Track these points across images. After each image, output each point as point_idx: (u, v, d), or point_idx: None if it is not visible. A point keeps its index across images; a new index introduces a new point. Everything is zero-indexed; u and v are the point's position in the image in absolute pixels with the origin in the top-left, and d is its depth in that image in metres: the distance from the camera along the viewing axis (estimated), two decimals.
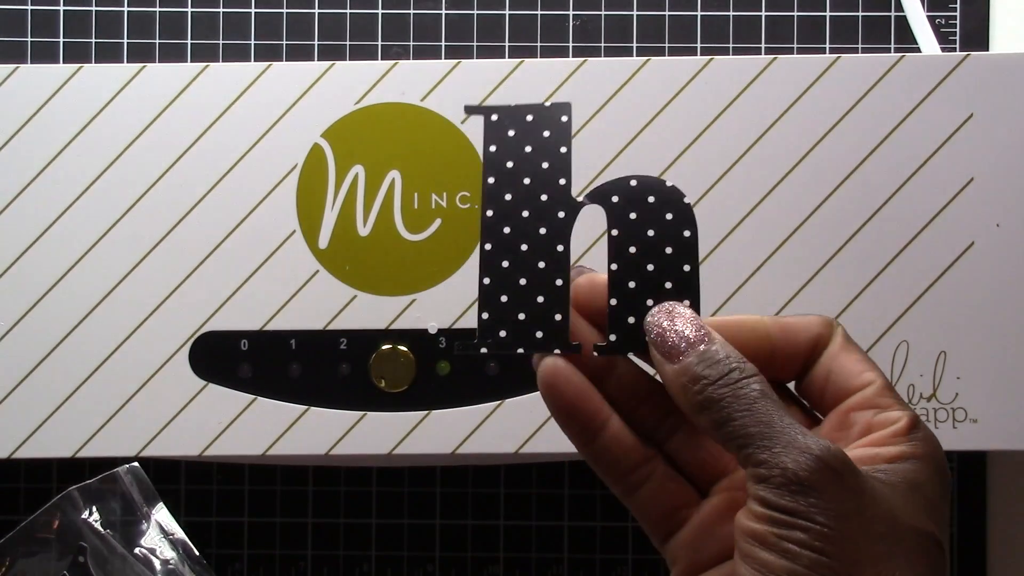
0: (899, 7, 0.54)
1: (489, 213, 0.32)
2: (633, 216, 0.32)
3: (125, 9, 0.54)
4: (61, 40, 0.54)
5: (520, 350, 0.32)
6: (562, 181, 0.32)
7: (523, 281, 0.32)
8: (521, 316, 0.32)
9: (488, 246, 0.32)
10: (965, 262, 0.44)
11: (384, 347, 0.44)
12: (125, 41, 0.54)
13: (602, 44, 0.54)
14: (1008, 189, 0.44)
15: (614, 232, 0.32)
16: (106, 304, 0.44)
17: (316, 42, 0.54)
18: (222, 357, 0.44)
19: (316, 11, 0.54)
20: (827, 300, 0.44)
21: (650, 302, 0.32)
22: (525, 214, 0.32)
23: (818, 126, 0.44)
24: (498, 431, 0.44)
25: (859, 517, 0.28)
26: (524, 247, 0.32)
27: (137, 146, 0.44)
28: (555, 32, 0.54)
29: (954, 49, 0.54)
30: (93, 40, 0.54)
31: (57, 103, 0.44)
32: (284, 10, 0.54)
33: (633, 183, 0.32)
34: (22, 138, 0.44)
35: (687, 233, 0.32)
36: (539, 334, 0.32)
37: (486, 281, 0.32)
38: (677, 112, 0.44)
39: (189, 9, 0.54)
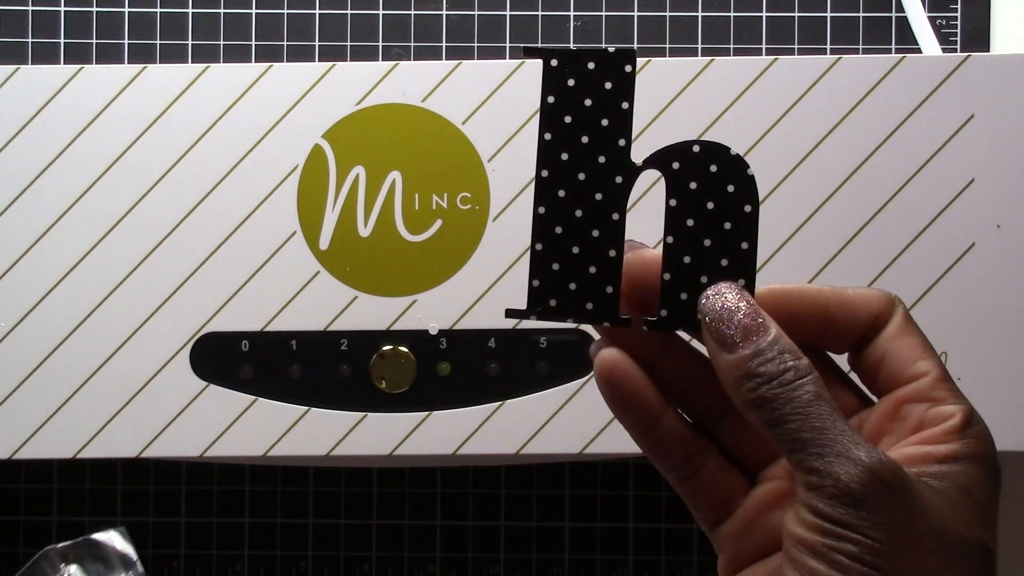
0: (900, 8, 0.54)
1: (544, 174, 0.31)
2: (693, 186, 0.31)
3: (126, 10, 0.54)
4: (62, 41, 0.54)
5: (570, 320, 0.31)
6: (622, 142, 0.31)
7: (576, 249, 0.31)
8: (572, 286, 0.31)
9: (542, 210, 0.31)
10: (966, 263, 0.44)
11: (385, 348, 0.44)
12: (126, 42, 0.54)
13: (603, 45, 0.54)
14: (1009, 190, 0.44)
15: (672, 202, 0.31)
16: (107, 305, 0.44)
17: (317, 43, 0.54)
18: (223, 358, 0.44)
19: (317, 12, 0.54)
20: None
21: (704, 279, 0.30)
22: (581, 177, 0.31)
23: (819, 127, 0.44)
24: (499, 432, 0.44)
25: (910, 531, 0.27)
26: (579, 213, 0.31)
27: (138, 147, 0.44)
28: (556, 33, 0.54)
29: (955, 50, 0.54)
30: (94, 41, 0.54)
31: (58, 104, 0.45)
32: (285, 11, 0.54)
33: (696, 148, 0.31)
34: (23, 139, 0.44)
35: (748, 208, 0.31)
36: (589, 305, 0.30)
37: (538, 247, 0.31)
38: (677, 113, 0.44)
39: (190, 10, 0.54)
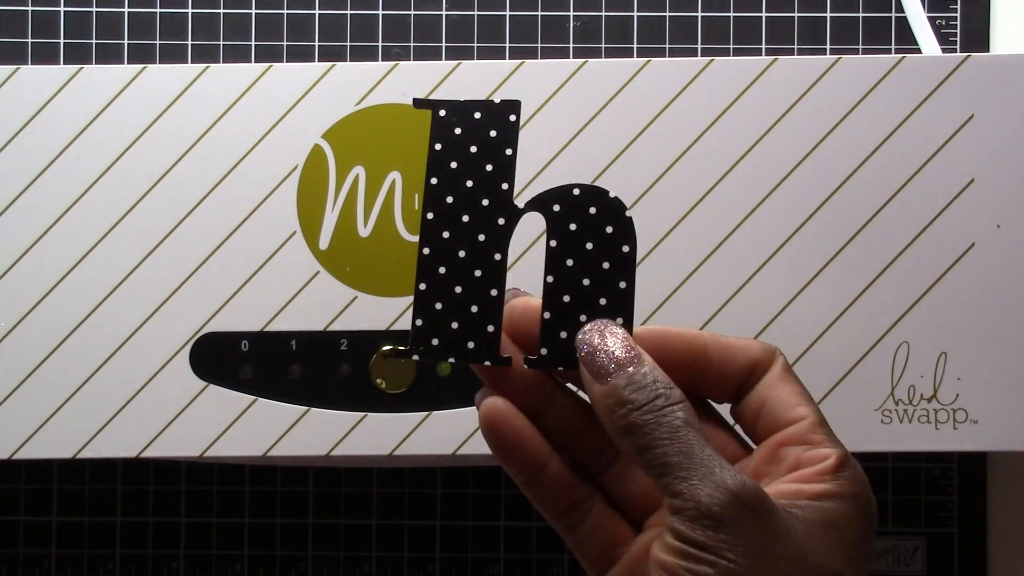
0: (900, 8, 0.54)
1: (429, 216, 0.32)
2: (573, 227, 0.32)
3: (126, 10, 0.54)
4: (62, 41, 0.54)
5: (451, 360, 0.31)
6: (504, 186, 0.32)
7: (459, 289, 0.32)
8: (455, 324, 0.31)
9: (426, 250, 0.32)
10: (966, 263, 0.44)
11: (385, 348, 0.44)
12: (126, 42, 0.54)
13: (603, 45, 0.54)
14: (1009, 190, 0.44)
15: (552, 243, 0.32)
16: (107, 305, 0.44)
17: (317, 43, 0.54)
18: (223, 358, 0.44)
19: (317, 12, 0.54)
20: (828, 300, 0.44)
21: (583, 318, 0.31)
22: (465, 219, 0.32)
23: (818, 127, 0.44)
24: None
25: (768, 555, 0.28)
26: (462, 253, 0.32)
27: (138, 147, 0.44)
28: (556, 33, 0.54)
29: (955, 50, 0.54)
30: (94, 41, 0.54)
31: (58, 104, 0.45)
32: (285, 11, 0.54)
33: (576, 192, 0.32)
34: (23, 139, 0.44)
35: (626, 248, 0.32)
36: (471, 344, 0.31)
37: (422, 287, 0.32)
38: (678, 113, 0.44)
39: (190, 10, 0.54)
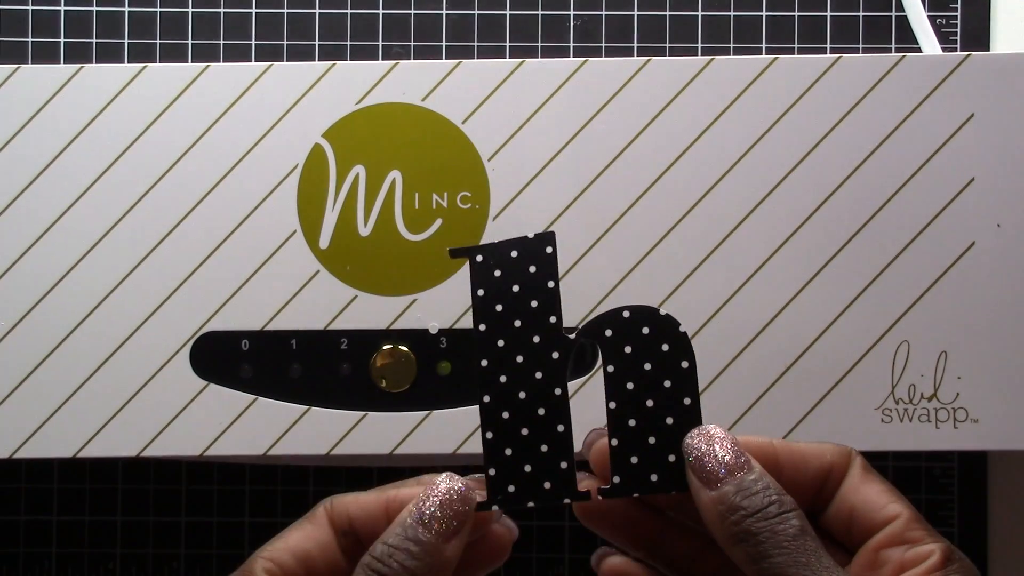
0: (900, 7, 0.54)
1: (484, 363, 0.32)
2: (628, 350, 0.32)
3: (126, 9, 0.54)
4: (62, 40, 0.54)
5: (531, 504, 0.31)
6: (552, 319, 0.32)
7: (525, 431, 0.31)
8: (527, 467, 0.31)
9: (487, 399, 0.32)
10: (966, 262, 0.44)
11: (385, 347, 0.44)
12: (126, 41, 0.54)
13: (603, 44, 0.54)
14: (1009, 189, 0.44)
15: (610, 368, 0.32)
16: (107, 304, 0.44)
17: (317, 42, 0.54)
18: (223, 357, 0.44)
19: (317, 11, 0.54)
20: (828, 299, 0.44)
21: (652, 440, 0.31)
22: (520, 359, 0.32)
23: (819, 126, 0.44)
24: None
25: None
26: (523, 395, 0.31)
27: (138, 146, 0.44)
28: (556, 32, 0.54)
29: (955, 49, 0.54)
30: (94, 40, 0.54)
31: (58, 103, 0.45)
32: (285, 10, 0.54)
33: (626, 314, 0.32)
34: (23, 138, 0.44)
35: (685, 364, 0.32)
36: (547, 484, 0.31)
37: (489, 435, 0.32)
38: (678, 112, 0.44)
39: (190, 9, 0.54)
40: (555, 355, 0.32)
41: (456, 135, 0.44)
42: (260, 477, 0.54)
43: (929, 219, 0.44)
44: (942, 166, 0.44)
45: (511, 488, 0.31)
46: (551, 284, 0.32)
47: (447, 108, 0.44)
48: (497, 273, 0.32)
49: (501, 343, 0.32)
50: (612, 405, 0.31)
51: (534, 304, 0.32)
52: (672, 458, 0.31)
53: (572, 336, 0.32)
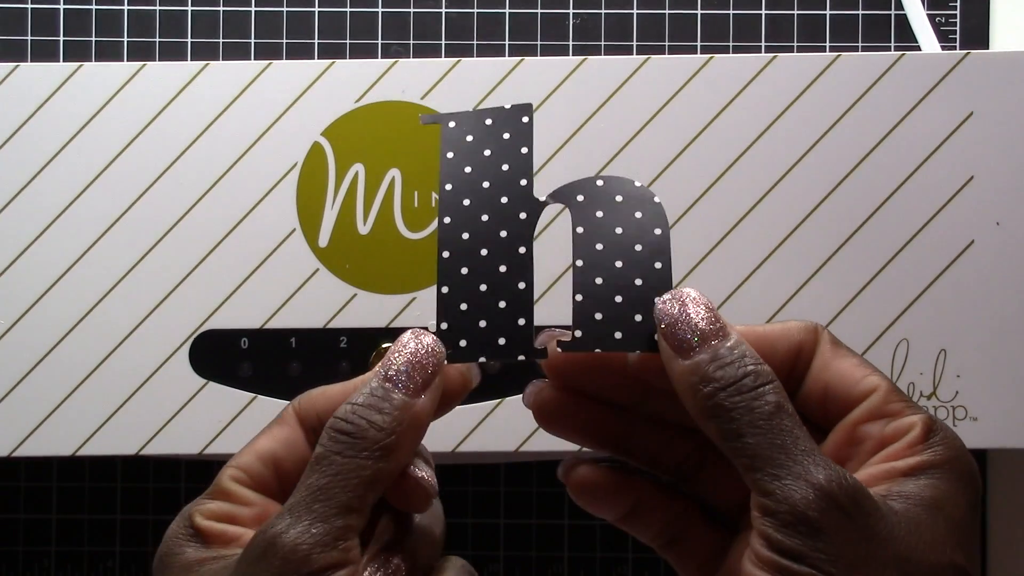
0: (899, 5, 0.54)
1: (447, 220, 0.31)
2: (600, 214, 0.31)
3: (125, 8, 0.54)
4: (61, 39, 0.54)
5: (482, 359, 0.30)
6: (523, 182, 0.31)
7: (483, 287, 0.31)
8: (482, 323, 0.30)
9: (446, 254, 0.31)
10: (965, 260, 0.44)
11: (384, 345, 0.44)
12: (125, 40, 0.54)
13: (602, 42, 0.54)
14: (1008, 187, 0.44)
15: (579, 229, 0.31)
16: (106, 302, 0.44)
17: (316, 40, 0.54)
18: (222, 355, 0.44)
19: (316, 9, 0.54)
20: (827, 298, 0.44)
21: (618, 299, 0.30)
22: (484, 218, 0.31)
23: (818, 124, 0.44)
24: (498, 429, 0.44)
25: (871, 562, 0.25)
26: (484, 252, 0.31)
27: (137, 144, 0.44)
28: (555, 30, 0.54)
29: (954, 47, 0.54)
30: (93, 39, 0.54)
31: (57, 102, 0.44)
32: (284, 8, 0.54)
33: (600, 183, 0.32)
34: (22, 137, 0.44)
35: (658, 231, 0.31)
36: (501, 340, 0.30)
37: (444, 290, 0.31)
38: (677, 110, 0.44)
39: (189, 8, 0.54)
40: (523, 215, 0.31)
41: None
42: None
43: (928, 217, 0.44)
44: (941, 164, 0.44)
45: (462, 343, 0.30)
46: (524, 150, 0.32)
47: (446, 106, 0.44)
48: (469, 138, 0.32)
49: (467, 202, 0.31)
50: (579, 263, 0.31)
51: (505, 168, 0.32)
52: (639, 318, 0.30)
53: (543, 199, 0.31)
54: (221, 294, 0.44)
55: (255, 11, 0.54)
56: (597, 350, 0.30)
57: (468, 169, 0.32)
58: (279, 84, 0.44)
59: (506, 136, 0.32)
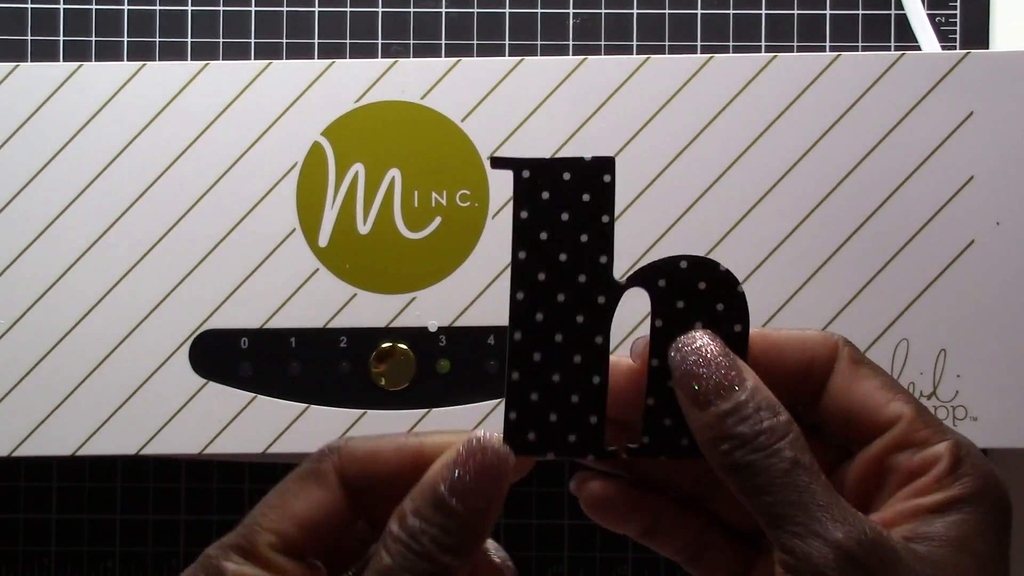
0: (899, 5, 0.54)
1: (520, 296, 0.28)
2: (680, 305, 0.29)
3: (125, 7, 0.54)
4: (61, 38, 0.54)
5: (551, 455, 0.28)
6: (603, 259, 0.28)
7: (556, 377, 0.28)
8: (553, 417, 0.28)
9: (518, 335, 0.28)
10: (965, 260, 0.44)
11: (384, 345, 0.44)
12: (125, 39, 0.54)
13: (602, 42, 0.54)
14: (1008, 187, 0.44)
15: (658, 323, 0.29)
16: (106, 302, 0.44)
17: (316, 40, 0.54)
18: (222, 355, 0.44)
19: (316, 9, 0.54)
20: (827, 298, 0.44)
21: None
22: (560, 298, 0.28)
23: (818, 124, 0.44)
24: (499, 429, 0.44)
25: None
26: (559, 337, 0.28)
27: (137, 144, 0.44)
28: (555, 30, 0.54)
29: (954, 47, 0.54)
30: (93, 38, 0.54)
31: (57, 102, 0.44)
32: (284, 8, 0.54)
33: (683, 264, 0.29)
34: (22, 137, 0.44)
35: (738, 328, 0.29)
36: (572, 438, 0.28)
37: (515, 376, 0.28)
38: (677, 110, 0.44)
39: (189, 7, 0.54)
40: (601, 299, 0.28)
41: (455, 133, 0.44)
42: (259, 475, 0.54)
43: (928, 217, 0.44)
44: (941, 164, 0.44)
45: (531, 436, 0.28)
46: (605, 219, 0.28)
47: (446, 106, 0.44)
48: (545, 195, 0.28)
49: (542, 276, 0.28)
50: (655, 363, 0.29)
51: (584, 239, 0.28)
52: None
53: (623, 281, 0.29)
54: (221, 294, 0.44)
55: (255, 11, 0.54)
56: (662, 457, 0.29)
57: (544, 236, 0.28)
58: (279, 84, 0.44)
59: (585, 198, 0.28)
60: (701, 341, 0.28)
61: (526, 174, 0.29)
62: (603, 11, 0.54)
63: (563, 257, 0.28)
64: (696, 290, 0.29)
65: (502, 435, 0.28)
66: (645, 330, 0.29)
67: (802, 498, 0.26)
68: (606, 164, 0.28)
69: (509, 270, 0.28)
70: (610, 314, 0.29)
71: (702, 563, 0.31)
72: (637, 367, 0.29)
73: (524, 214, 0.29)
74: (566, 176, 0.28)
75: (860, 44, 0.54)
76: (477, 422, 0.44)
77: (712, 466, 0.28)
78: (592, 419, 0.29)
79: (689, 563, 0.31)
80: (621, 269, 0.29)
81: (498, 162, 0.29)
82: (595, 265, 0.28)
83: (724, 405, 0.27)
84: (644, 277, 0.29)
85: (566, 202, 0.28)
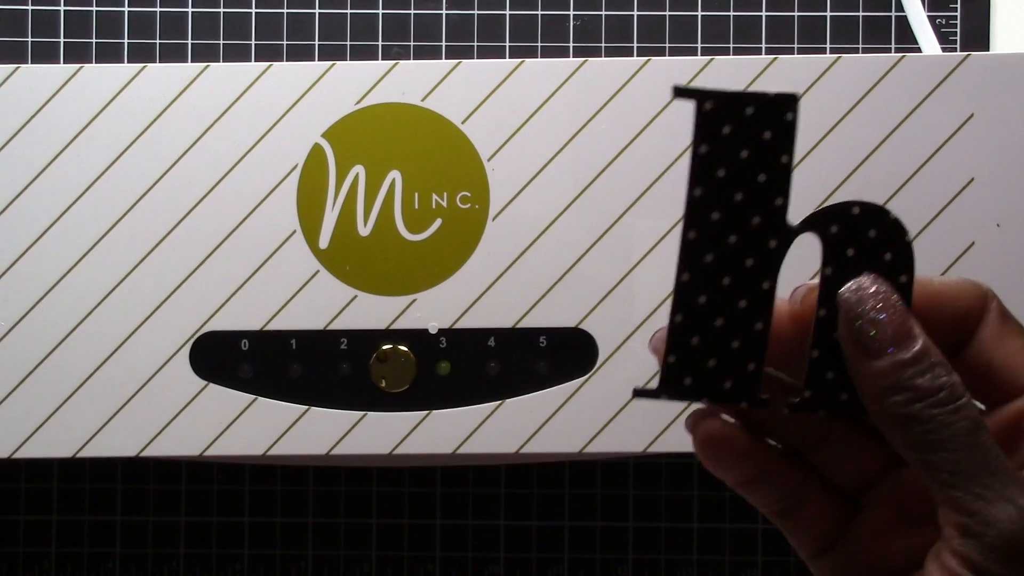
0: (899, 7, 0.54)
1: (692, 235, 0.27)
2: (851, 252, 0.28)
3: (126, 9, 0.54)
4: (62, 40, 0.54)
5: (706, 401, 0.28)
6: (779, 201, 0.28)
7: (719, 321, 0.27)
8: (712, 362, 0.27)
9: (686, 276, 0.27)
10: (965, 262, 0.44)
11: (384, 347, 0.44)
12: (125, 41, 0.54)
13: (603, 44, 0.54)
14: (1009, 189, 0.44)
15: (828, 271, 0.28)
16: (107, 304, 0.44)
17: (316, 42, 0.54)
18: (223, 357, 0.44)
19: (316, 11, 0.54)
20: None
21: None
22: (732, 240, 0.27)
23: (818, 126, 0.44)
24: (499, 431, 0.44)
25: None
26: (727, 280, 0.27)
27: (137, 146, 0.44)
28: (556, 32, 0.54)
29: (955, 49, 0.54)
30: (94, 40, 0.54)
31: (57, 103, 0.44)
32: (284, 10, 0.54)
33: (856, 210, 0.28)
34: (22, 138, 0.44)
35: (903, 279, 0.28)
36: (728, 384, 0.27)
37: (678, 318, 0.27)
38: (678, 112, 0.44)
39: (189, 9, 0.54)
40: (772, 243, 0.28)
41: (456, 135, 0.44)
42: (259, 477, 0.54)
43: (929, 219, 0.44)
44: (942, 166, 0.44)
45: (687, 380, 0.27)
46: (784, 159, 0.27)
47: (447, 108, 0.44)
48: (726, 130, 0.27)
49: (716, 216, 0.27)
50: (822, 312, 0.28)
51: (761, 179, 0.27)
52: None
53: (796, 226, 0.28)
54: (221, 296, 0.44)
55: (255, 12, 0.54)
56: (823, 412, 0.28)
57: (721, 173, 0.27)
58: (279, 86, 0.44)
59: (767, 136, 0.27)
60: (879, 286, 0.27)
61: (708, 105, 0.27)
62: (604, 13, 0.54)
63: (739, 196, 0.27)
64: (867, 238, 0.28)
65: (659, 378, 0.28)
66: (803, 277, 0.28)
67: (987, 459, 0.25)
68: (790, 101, 0.28)
69: (684, 207, 0.27)
70: (780, 259, 0.28)
71: (794, 518, 0.29)
72: (799, 311, 0.28)
73: (704, 148, 0.27)
74: (749, 111, 0.27)
75: (860, 46, 0.54)
76: (477, 424, 0.44)
77: (876, 420, 0.27)
78: (751, 366, 0.28)
79: (781, 516, 0.30)
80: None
81: (682, 92, 0.27)
82: (770, 207, 0.28)
83: (902, 355, 0.26)
84: (816, 222, 0.28)
85: (747, 139, 0.27)
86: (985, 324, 0.28)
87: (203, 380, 0.44)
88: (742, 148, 0.27)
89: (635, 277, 0.44)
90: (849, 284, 0.27)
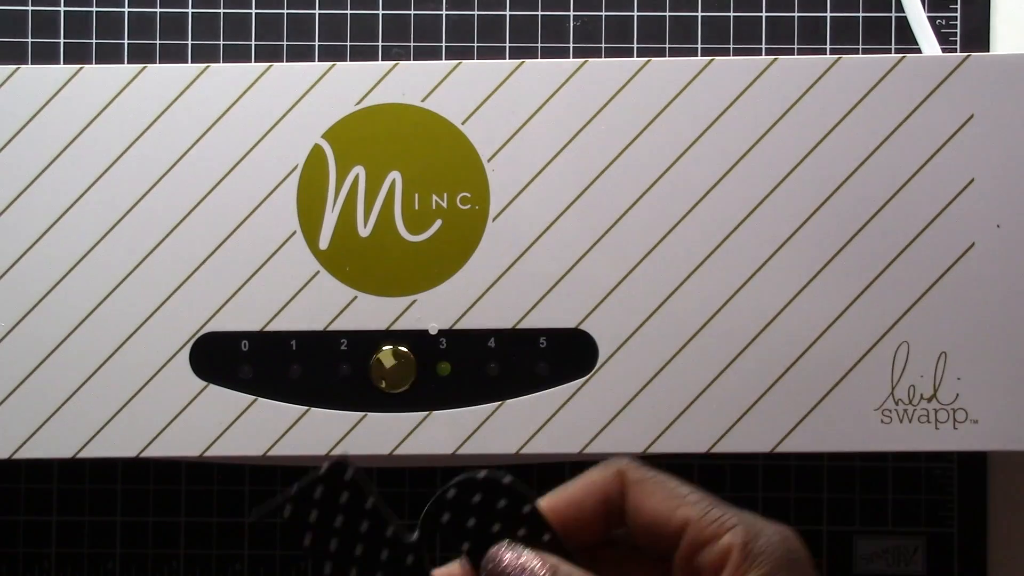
0: (899, 8, 0.54)
1: None
2: (476, 524, 0.32)
3: (126, 10, 0.54)
4: (61, 41, 0.54)
5: None
6: (390, 531, 0.32)
7: None
8: None
9: None
10: (965, 263, 0.44)
11: (385, 348, 0.44)
12: (126, 42, 0.54)
13: (603, 45, 0.54)
14: (1009, 190, 0.44)
15: (465, 547, 0.32)
16: (107, 305, 0.44)
17: (317, 43, 0.54)
18: (223, 358, 0.44)
19: (317, 12, 0.54)
20: (828, 301, 0.44)
21: None
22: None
23: (818, 127, 0.44)
24: (499, 432, 0.44)
25: None
26: None
27: (137, 147, 0.44)
28: (556, 33, 0.54)
29: (955, 50, 0.54)
30: (94, 41, 0.54)
31: (57, 104, 0.44)
32: (285, 11, 0.54)
33: (451, 492, 0.32)
34: (23, 139, 0.44)
35: (527, 509, 0.32)
36: None
37: None
38: (678, 113, 0.44)
39: (189, 10, 0.54)
40: (410, 559, 0.32)
41: (456, 136, 0.44)
42: (260, 478, 0.54)
43: (929, 220, 0.44)
44: (942, 167, 0.44)
45: None
46: (370, 502, 0.32)
47: (447, 109, 0.44)
48: (314, 515, 0.31)
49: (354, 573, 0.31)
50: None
51: (365, 527, 0.32)
52: None
53: (415, 537, 0.32)
54: (221, 296, 0.44)
55: (255, 13, 0.54)
56: None
57: (334, 545, 0.32)
58: (279, 86, 0.44)
59: (344, 497, 0.32)
60: (511, 554, 0.31)
61: (288, 512, 0.31)
62: (604, 14, 0.54)
63: (359, 550, 0.31)
64: (471, 505, 0.32)
65: None
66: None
67: None
68: (339, 466, 0.32)
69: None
70: (424, 564, 0.32)
71: None
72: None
73: (307, 540, 0.31)
74: (319, 492, 0.31)
75: (861, 47, 0.54)
76: (478, 425, 0.44)
77: None
78: None
79: None
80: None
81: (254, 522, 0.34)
82: (383, 538, 0.31)
83: None
84: (427, 524, 0.32)
85: (334, 509, 0.31)
86: (629, 496, 0.31)
87: (203, 381, 0.44)
88: (336, 515, 0.31)
89: (635, 277, 0.44)
90: (484, 560, 0.31)
